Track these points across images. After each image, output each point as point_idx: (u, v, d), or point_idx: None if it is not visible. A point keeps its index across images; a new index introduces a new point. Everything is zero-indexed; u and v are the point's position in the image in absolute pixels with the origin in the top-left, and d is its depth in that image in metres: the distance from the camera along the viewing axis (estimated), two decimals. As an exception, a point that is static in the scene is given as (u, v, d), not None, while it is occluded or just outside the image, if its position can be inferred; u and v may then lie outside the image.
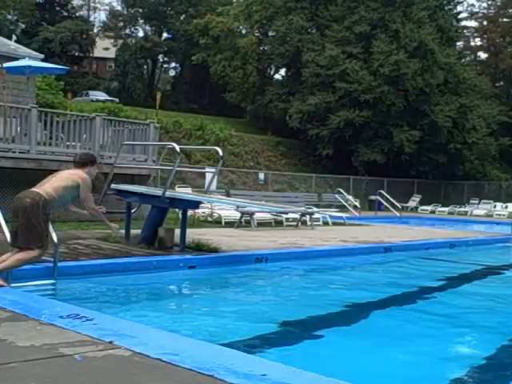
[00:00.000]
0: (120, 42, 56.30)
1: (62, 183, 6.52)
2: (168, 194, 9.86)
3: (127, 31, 57.56)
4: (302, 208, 17.48)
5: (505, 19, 48.51)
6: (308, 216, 17.15)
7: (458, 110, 34.11)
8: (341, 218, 19.25)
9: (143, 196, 10.34)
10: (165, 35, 56.34)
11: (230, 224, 15.61)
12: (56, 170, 7.09)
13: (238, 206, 14.94)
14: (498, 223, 24.27)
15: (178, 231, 10.05)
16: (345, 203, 25.28)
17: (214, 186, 16.78)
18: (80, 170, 6.84)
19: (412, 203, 32.36)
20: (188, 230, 10.10)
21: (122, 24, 57.11)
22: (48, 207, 6.33)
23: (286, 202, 18.57)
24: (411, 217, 27.24)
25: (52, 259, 7.27)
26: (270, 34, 40.80)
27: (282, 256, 10.68)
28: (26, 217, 6.10)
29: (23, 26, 36.62)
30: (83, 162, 6.97)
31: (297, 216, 17.17)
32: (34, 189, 6.38)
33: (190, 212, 13.10)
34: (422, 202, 32.67)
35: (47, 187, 6.40)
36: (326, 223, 18.28)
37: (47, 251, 6.66)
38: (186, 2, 52.35)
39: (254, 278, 9.65)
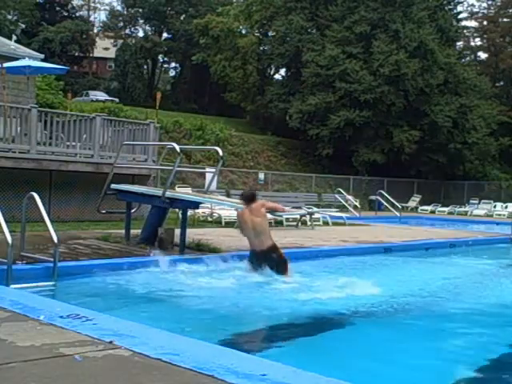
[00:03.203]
0: (120, 42, 56.29)
1: (265, 227, 8.75)
2: (168, 194, 9.86)
3: (127, 31, 57.58)
4: (303, 210, 17.43)
5: (505, 19, 48.43)
6: (308, 216, 17.13)
7: (458, 109, 34.09)
8: (341, 218, 19.25)
9: (143, 196, 10.34)
10: (165, 35, 56.34)
11: (230, 224, 15.58)
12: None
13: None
14: (498, 223, 24.22)
15: (177, 231, 10.05)
16: (345, 203, 25.29)
17: (214, 186, 16.78)
18: (253, 207, 8.65)
19: (412, 203, 32.35)
20: (188, 230, 10.11)
21: (122, 24, 57.13)
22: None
23: (286, 202, 18.56)
24: (411, 217, 27.20)
25: (52, 259, 7.27)
26: (270, 33, 40.79)
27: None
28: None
29: (23, 25, 36.51)
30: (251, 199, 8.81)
31: (297, 216, 17.15)
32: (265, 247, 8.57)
33: (190, 212, 13.09)
34: (421, 202, 32.64)
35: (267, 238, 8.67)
36: (326, 223, 18.28)
37: None
38: (185, 2, 52.34)
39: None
